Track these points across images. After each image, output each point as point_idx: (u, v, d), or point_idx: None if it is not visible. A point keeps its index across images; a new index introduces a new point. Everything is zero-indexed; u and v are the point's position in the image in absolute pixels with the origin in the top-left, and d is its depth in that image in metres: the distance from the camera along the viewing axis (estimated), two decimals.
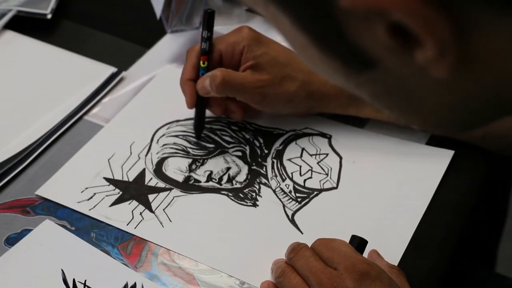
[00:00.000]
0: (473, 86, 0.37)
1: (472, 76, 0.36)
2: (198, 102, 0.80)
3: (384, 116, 0.81)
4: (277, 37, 0.84)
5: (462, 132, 0.77)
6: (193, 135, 0.83)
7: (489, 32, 0.34)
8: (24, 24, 0.98)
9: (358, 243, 0.66)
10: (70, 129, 0.84)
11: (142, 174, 0.79)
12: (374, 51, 0.37)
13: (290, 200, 0.76)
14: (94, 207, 0.75)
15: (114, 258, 0.71)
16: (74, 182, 0.78)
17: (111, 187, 0.78)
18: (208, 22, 0.78)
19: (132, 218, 0.74)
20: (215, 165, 0.80)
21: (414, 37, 0.34)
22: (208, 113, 0.84)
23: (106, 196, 0.77)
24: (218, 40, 0.80)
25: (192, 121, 0.84)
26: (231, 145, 0.82)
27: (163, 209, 0.75)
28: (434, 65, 0.35)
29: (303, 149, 0.82)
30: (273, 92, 0.78)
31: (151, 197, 0.77)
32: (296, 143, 0.82)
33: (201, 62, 0.79)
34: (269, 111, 0.82)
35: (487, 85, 0.37)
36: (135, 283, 0.68)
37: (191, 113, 0.84)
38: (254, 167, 0.80)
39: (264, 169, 0.80)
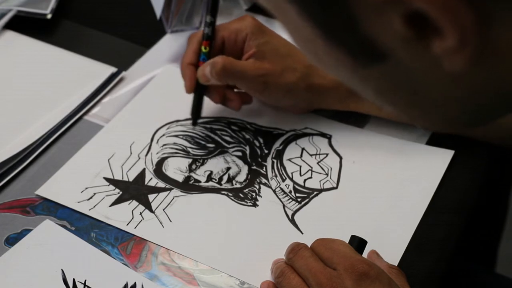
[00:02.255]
0: (483, 79, 0.37)
1: (485, 69, 0.36)
2: (197, 87, 0.80)
3: (384, 113, 0.81)
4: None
5: (465, 128, 0.76)
6: (194, 135, 0.83)
7: (508, 25, 0.34)
8: (24, 24, 0.98)
9: (358, 243, 0.66)
10: (70, 129, 0.84)
11: (142, 174, 0.79)
12: (387, 42, 0.36)
13: (290, 200, 0.76)
14: (94, 207, 0.75)
15: (114, 258, 0.71)
16: (74, 182, 0.78)
17: (111, 187, 0.78)
18: (212, 7, 0.79)
19: (132, 218, 0.74)
20: (215, 165, 0.80)
21: (434, 27, 0.33)
22: (207, 113, 0.84)
23: (106, 196, 0.77)
24: (221, 27, 0.81)
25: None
26: (231, 145, 0.82)
27: (163, 209, 0.75)
28: (451, 56, 0.34)
29: (303, 149, 0.82)
30: (274, 82, 0.78)
31: (151, 197, 0.77)
32: (296, 143, 0.82)
33: (203, 47, 0.79)
34: (268, 101, 0.82)
35: (498, 79, 0.37)
36: (135, 283, 0.68)
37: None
38: (254, 167, 0.80)
39: (264, 169, 0.80)
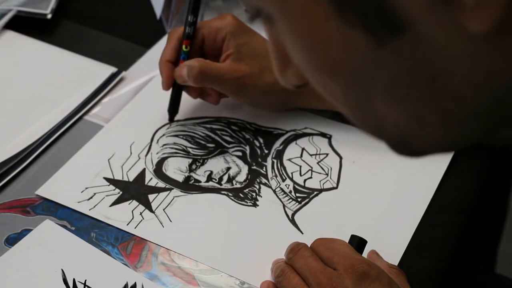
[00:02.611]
0: (506, 58, 0.35)
1: (507, 46, 0.35)
2: (175, 84, 0.81)
3: None
4: None
5: (479, 137, 0.74)
6: (194, 135, 0.83)
7: None
8: (24, 24, 0.98)
9: (358, 243, 0.66)
10: (70, 129, 0.84)
11: (142, 174, 0.79)
12: (408, 9, 0.35)
13: (290, 200, 0.76)
14: (94, 207, 0.75)
15: (114, 258, 0.71)
16: (74, 182, 0.78)
17: (111, 187, 0.78)
18: (194, 7, 0.79)
19: (132, 218, 0.74)
20: (215, 165, 0.80)
21: None
22: (207, 113, 0.84)
23: (106, 196, 0.77)
24: (201, 24, 0.81)
25: (192, 121, 0.84)
26: (231, 145, 0.82)
27: (163, 209, 0.75)
28: (482, 9, 0.33)
29: (303, 149, 0.82)
30: (251, 83, 0.79)
31: (151, 197, 0.77)
32: (296, 143, 0.82)
33: (184, 46, 0.79)
34: (244, 102, 0.83)
35: None
36: (135, 283, 0.68)
37: (191, 113, 0.84)
38: (254, 167, 0.80)
39: (264, 169, 0.80)
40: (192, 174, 0.79)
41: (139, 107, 0.87)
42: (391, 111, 0.41)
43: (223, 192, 0.77)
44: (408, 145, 0.44)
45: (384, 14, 0.35)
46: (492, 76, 0.37)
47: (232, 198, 0.77)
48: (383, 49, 0.37)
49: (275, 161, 0.81)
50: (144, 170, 0.79)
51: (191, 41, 0.80)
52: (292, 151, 0.82)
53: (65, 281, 0.68)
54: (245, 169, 0.80)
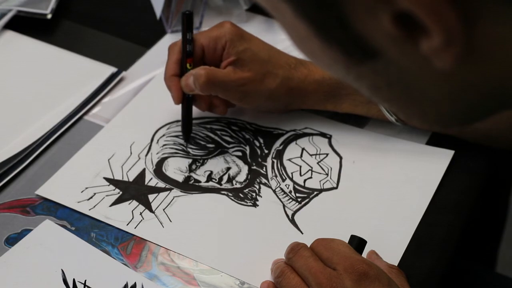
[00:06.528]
0: (475, 77, 0.37)
1: (474, 67, 0.36)
2: (184, 97, 0.80)
3: (363, 111, 0.81)
4: (276, 37, 0.84)
5: (460, 126, 0.76)
6: (194, 135, 0.83)
7: (494, 22, 0.34)
8: (24, 24, 0.98)
9: (357, 243, 0.66)
10: (70, 129, 0.84)
11: (142, 174, 0.79)
12: (377, 40, 0.36)
13: (290, 200, 0.76)
14: (94, 207, 0.75)
15: (114, 258, 0.71)
16: (74, 182, 0.78)
17: (111, 187, 0.78)
18: (188, 24, 0.78)
19: (132, 218, 0.74)
20: (215, 165, 0.80)
21: (420, 26, 0.34)
22: (207, 113, 0.84)
23: (106, 196, 0.77)
24: (200, 34, 0.80)
25: (192, 121, 0.84)
26: (231, 145, 0.82)
27: (163, 209, 0.75)
28: (439, 54, 0.35)
29: (303, 149, 0.82)
30: (254, 89, 0.79)
31: (151, 197, 0.77)
32: (296, 143, 0.82)
33: (188, 64, 0.79)
34: (248, 107, 0.83)
35: (489, 76, 0.37)
36: (135, 283, 0.68)
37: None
38: (254, 167, 0.80)
39: (264, 169, 0.80)
40: (192, 174, 0.79)
41: (139, 107, 0.87)
42: (382, 104, 0.44)
43: (223, 192, 0.77)
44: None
45: (356, 43, 0.37)
46: (463, 89, 0.39)
47: (232, 198, 0.77)
48: (361, 66, 0.39)
49: (275, 161, 0.81)
50: (144, 170, 0.79)
51: (193, 58, 0.79)
52: (292, 151, 0.82)
53: (65, 281, 0.68)
54: (245, 169, 0.80)
